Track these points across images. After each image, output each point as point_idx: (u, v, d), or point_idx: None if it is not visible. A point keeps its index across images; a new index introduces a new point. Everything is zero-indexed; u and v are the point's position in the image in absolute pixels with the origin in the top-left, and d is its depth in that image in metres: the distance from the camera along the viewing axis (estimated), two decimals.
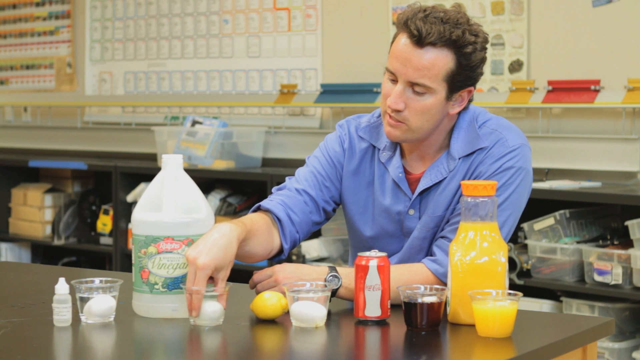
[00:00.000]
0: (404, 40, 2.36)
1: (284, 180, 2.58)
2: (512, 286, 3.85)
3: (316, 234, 4.76)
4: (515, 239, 4.20)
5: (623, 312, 3.96)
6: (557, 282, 4.05)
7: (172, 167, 2.27)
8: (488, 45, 2.41)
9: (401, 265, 2.40)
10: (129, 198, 5.32)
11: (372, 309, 2.19)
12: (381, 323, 2.20)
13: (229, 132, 5.10)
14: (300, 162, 2.66)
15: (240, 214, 5.06)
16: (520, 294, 2.11)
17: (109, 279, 2.26)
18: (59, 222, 5.68)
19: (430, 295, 2.14)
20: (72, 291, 2.18)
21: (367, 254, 2.20)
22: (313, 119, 5.18)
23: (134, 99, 5.80)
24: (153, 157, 5.46)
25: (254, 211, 2.49)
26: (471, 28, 2.36)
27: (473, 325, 2.11)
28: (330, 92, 5.01)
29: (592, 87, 4.29)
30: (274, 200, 2.49)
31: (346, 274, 2.34)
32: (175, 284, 2.22)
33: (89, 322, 2.18)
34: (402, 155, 2.50)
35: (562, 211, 4.06)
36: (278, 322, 2.21)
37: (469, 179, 2.41)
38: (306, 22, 5.18)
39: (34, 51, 6.27)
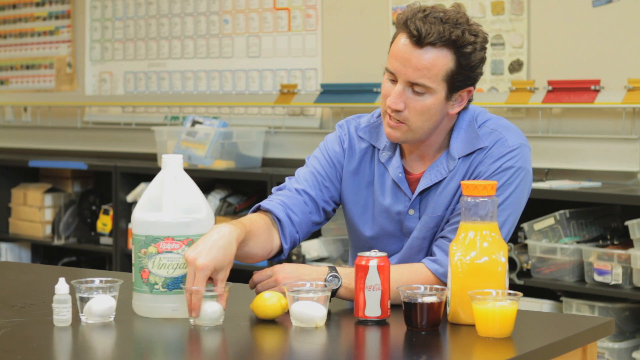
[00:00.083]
0: (403, 40, 2.36)
1: (284, 180, 2.58)
2: (512, 286, 3.85)
3: (316, 234, 4.76)
4: (515, 239, 4.20)
5: (623, 312, 3.96)
6: (557, 282, 4.05)
7: (172, 167, 2.27)
8: (488, 45, 2.41)
9: (401, 265, 2.40)
10: (129, 198, 5.32)
11: (372, 309, 2.19)
12: (381, 323, 2.20)
13: (229, 132, 5.10)
14: (300, 162, 2.66)
15: (240, 214, 5.06)
16: (520, 294, 2.11)
17: (109, 279, 2.26)
18: (59, 222, 5.68)
19: (430, 295, 2.14)
20: (72, 291, 2.18)
21: (367, 254, 2.20)
22: (313, 119, 5.18)
23: (134, 99, 5.80)
24: (153, 157, 5.46)
25: (254, 211, 2.49)
26: (471, 28, 2.36)
27: (473, 325, 2.11)
28: (330, 92, 5.01)
29: (592, 87, 4.29)
30: (273, 201, 2.49)
31: (346, 274, 2.34)
32: (175, 284, 2.22)
33: (89, 322, 2.18)
34: (402, 155, 2.50)
35: (562, 211, 4.06)
36: (278, 322, 2.21)
37: (468, 178, 2.41)
38: (306, 22, 5.19)
39: (34, 51, 6.27)
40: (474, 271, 2.14)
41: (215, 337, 2.13)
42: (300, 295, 2.17)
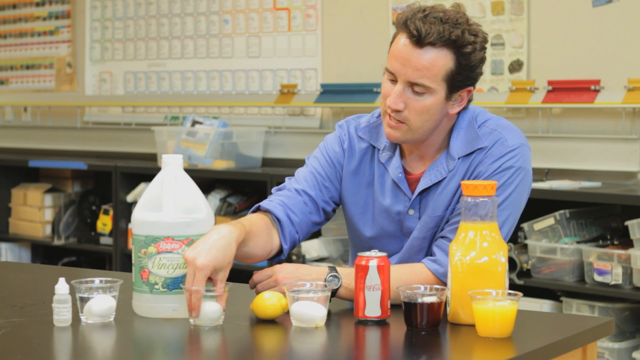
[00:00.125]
0: (403, 40, 2.36)
1: (284, 180, 2.58)
2: (512, 286, 3.85)
3: (316, 234, 4.76)
4: (515, 239, 4.20)
5: (623, 312, 3.96)
6: (557, 282, 4.05)
7: (172, 167, 2.27)
8: (487, 45, 2.41)
9: (401, 265, 2.40)
10: (129, 198, 5.32)
11: (372, 309, 2.19)
12: (381, 323, 2.20)
13: (229, 132, 5.10)
14: (300, 162, 2.66)
15: (240, 214, 5.06)
16: (520, 294, 2.11)
17: (109, 279, 2.26)
18: (59, 222, 5.68)
19: (430, 295, 2.14)
20: (72, 291, 2.18)
21: (367, 254, 2.20)
22: (313, 119, 5.18)
23: (134, 99, 5.80)
24: (153, 157, 5.46)
25: (254, 212, 2.49)
26: (470, 28, 2.36)
27: (473, 325, 2.11)
28: (330, 92, 5.01)
29: (592, 87, 4.29)
30: (273, 201, 2.49)
31: (346, 274, 2.34)
32: (175, 284, 2.22)
33: (89, 322, 2.18)
34: (402, 155, 2.50)
35: (562, 211, 4.06)
36: (278, 322, 2.21)
37: (468, 178, 2.41)
38: (306, 22, 5.19)
39: (34, 51, 6.27)
40: (474, 271, 2.14)
41: (215, 337, 2.13)
42: (300, 295, 2.17)
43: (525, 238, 4.14)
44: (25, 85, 6.32)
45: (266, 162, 5.22)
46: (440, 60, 2.33)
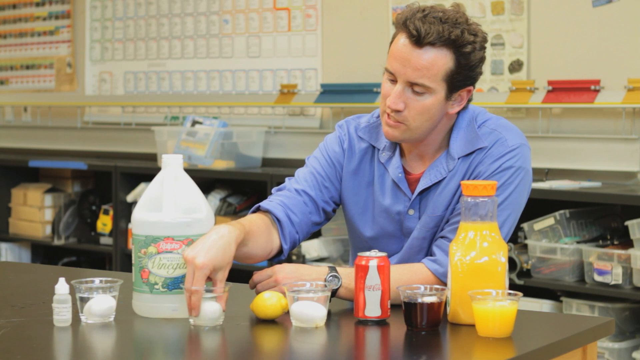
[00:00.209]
0: (402, 40, 2.36)
1: (284, 181, 2.58)
2: (512, 286, 3.85)
3: (316, 234, 4.76)
4: (515, 239, 4.20)
5: (623, 312, 3.96)
6: (557, 282, 4.05)
7: (172, 167, 2.27)
8: (487, 45, 2.41)
9: (401, 265, 2.40)
10: (129, 198, 5.32)
11: (372, 309, 2.19)
12: (381, 323, 2.20)
13: (229, 132, 5.10)
14: (300, 162, 2.66)
15: (240, 214, 5.06)
16: (520, 294, 2.11)
17: (109, 279, 2.26)
18: (59, 222, 5.68)
19: (430, 295, 2.14)
20: (72, 291, 2.18)
21: (367, 254, 2.20)
22: (313, 119, 5.18)
23: (134, 99, 5.80)
24: (153, 157, 5.46)
25: (254, 212, 2.49)
26: (470, 27, 2.36)
27: (473, 325, 2.11)
28: (330, 92, 5.01)
29: (592, 87, 4.29)
30: (273, 201, 2.49)
31: (346, 274, 2.34)
32: (175, 284, 2.22)
33: (89, 322, 2.18)
34: (402, 155, 2.50)
35: (562, 211, 4.06)
36: (278, 322, 2.22)
37: (468, 178, 2.41)
38: (306, 22, 5.19)
39: (34, 51, 6.27)
40: (474, 271, 2.14)
41: (215, 337, 2.13)
42: (300, 295, 2.17)
43: (525, 238, 4.14)
44: (25, 85, 6.32)
45: (266, 162, 5.22)
46: (439, 60, 2.33)
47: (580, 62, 4.37)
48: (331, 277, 2.33)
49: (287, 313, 2.19)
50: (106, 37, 5.96)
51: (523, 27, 4.51)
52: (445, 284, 2.29)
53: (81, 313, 2.18)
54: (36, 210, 5.77)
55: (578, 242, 4.06)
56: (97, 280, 2.25)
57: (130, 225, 5.11)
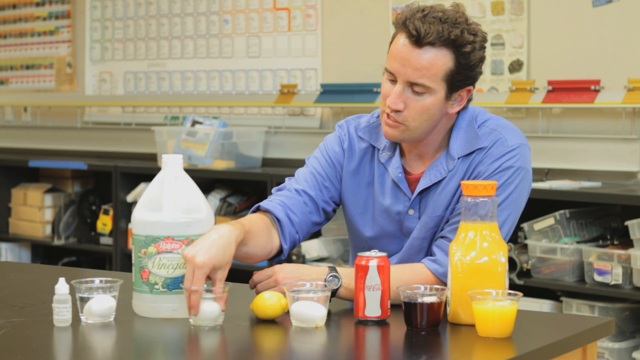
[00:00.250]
0: (402, 40, 2.36)
1: (284, 181, 2.58)
2: (512, 286, 3.85)
3: (316, 234, 4.76)
4: (515, 239, 4.20)
5: (623, 312, 3.96)
6: (557, 282, 4.05)
7: (172, 167, 2.27)
8: (487, 45, 2.41)
9: (401, 265, 2.41)
10: (129, 198, 5.32)
11: (372, 309, 2.19)
12: (381, 323, 2.20)
13: (229, 132, 5.10)
14: (300, 162, 2.66)
15: (240, 214, 5.06)
16: (520, 294, 2.11)
17: (109, 279, 2.26)
18: (59, 222, 5.68)
19: (430, 295, 2.14)
20: (72, 291, 2.18)
21: (367, 254, 2.20)
22: (313, 119, 5.18)
23: (134, 99, 5.80)
24: (153, 157, 5.46)
25: (254, 212, 2.49)
26: (470, 27, 2.36)
27: (473, 325, 2.11)
28: (330, 92, 5.01)
29: (592, 87, 4.29)
30: (273, 201, 2.49)
31: (346, 274, 2.34)
32: (175, 284, 2.22)
33: (89, 322, 2.18)
34: (402, 155, 2.50)
35: (562, 211, 4.06)
36: (278, 322, 2.22)
37: (468, 178, 2.41)
38: (306, 22, 5.19)
39: (34, 51, 6.27)
40: (474, 271, 2.14)
41: (215, 337, 2.13)
42: (300, 295, 2.17)
43: (525, 238, 4.14)
44: (25, 85, 6.32)
45: (266, 162, 5.22)
46: (439, 60, 2.33)
47: (580, 62, 4.37)
48: (331, 277, 2.33)
49: (287, 313, 2.19)
50: (106, 37, 5.96)
51: (523, 27, 4.51)
52: (445, 284, 2.29)
53: (81, 313, 2.18)
54: (36, 210, 5.77)
55: (578, 242, 4.06)
56: (97, 280, 2.25)
57: (130, 225, 5.11)
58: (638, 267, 3.84)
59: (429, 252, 2.46)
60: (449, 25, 2.32)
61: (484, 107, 2.57)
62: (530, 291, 4.07)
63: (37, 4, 6.23)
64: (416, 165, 2.49)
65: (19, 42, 6.34)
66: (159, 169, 2.29)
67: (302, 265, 2.41)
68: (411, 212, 2.47)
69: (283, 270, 2.33)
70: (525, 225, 4.13)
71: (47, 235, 5.76)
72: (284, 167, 5.01)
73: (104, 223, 5.56)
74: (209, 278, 2.19)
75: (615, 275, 3.89)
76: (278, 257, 2.48)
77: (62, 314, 2.15)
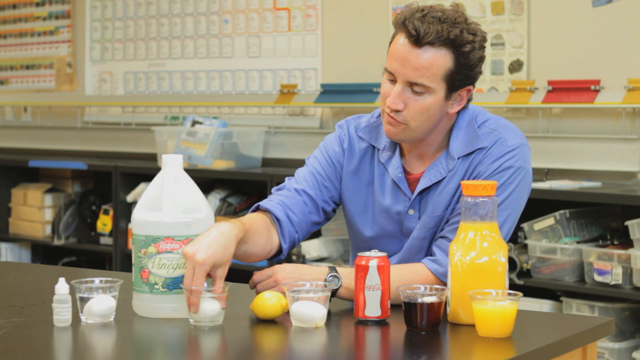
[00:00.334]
0: (402, 40, 2.36)
1: (284, 180, 2.58)
2: (512, 286, 3.85)
3: (316, 234, 4.76)
4: (515, 239, 4.20)
5: (623, 312, 3.96)
6: (557, 282, 4.05)
7: (172, 167, 2.27)
8: (487, 44, 2.41)
9: (401, 265, 2.41)
10: (129, 198, 5.32)
11: (372, 309, 2.19)
12: (381, 323, 2.20)
13: (229, 132, 5.10)
14: (300, 162, 2.66)
15: (240, 214, 5.06)
16: (520, 294, 2.11)
17: (109, 279, 2.26)
18: (59, 222, 5.68)
19: (430, 295, 2.14)
20: (72, 291, 2.18)
21: (367, 254, 2.20)
22: (313, 119, 5.18)
23: (134, 99, 5.80)
24: (153, 157, 5.46)
25: (253, 211, 2.49)
26: (469, 27, 2.36)
27: (473, 325, 2.11)
28: (330, 92, 5.01)
29: (592, 87, 4.29)
30: (273, 200, 2.49)
31: (346, 274, 2.34)
32: (175, 284, 2.22)
33: (89, 322, 2.18)
34: (402, 155, 2.50)
35: (562, 211, 4.06)
36: (278, 322, 2.21)
37: (468, 178, 2.41)
38: (306, 22, 5.19)
39: (34, 51, 6.27)
40: (474, 271, 2.14)
41: (215, 337, 2.13)
42: (300, 295, 2.17)
43: (525, 238, 4.14)
44: (25, 85, 6.32)
45: (266, 162, 5.22)
46: (439, 59, 2.33)
47: (580, 62, 4.37)
48: (331, 277, 2.33)
49: (287, 313, 2.19)
50: (106, 37, 5.96)
51: (523, 27, 4.51)
52: (445, 284, 2.29)
53: (81, 313, 2.18)
54: (36, 210, 5.77)
55: (578, 242, 4.06)
56: (97, 280, 2.25)
57: (130, 225, 5.11)
58: (638, 267, 3.84)
59: (429, 252, 2.46)
60: (449, 25, 2.32)
61: (484, 107, 2.57)
62: (530, 291, 4.07)
63: (37, 4, 6.23)
64: (416, 165, 2.49)
65: (19, 42, 6.34)
66: (159, 169, 2.29)
67: (302, 265, 2.41)
68: (411, 212, 2.47)
69: (283, 270, 2.33)
70: (525, 225, 4.13)
71: (47, 235, 5.76)
72: (284, 167, 5.01)
73: (104, 223, 5.56)
74: (209, 276, 2.19)
75: (615, 275, 3.89)
76: (277, 257, 2.48)
77: (62, 314, 2.15)
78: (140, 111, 5.82)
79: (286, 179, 2.57)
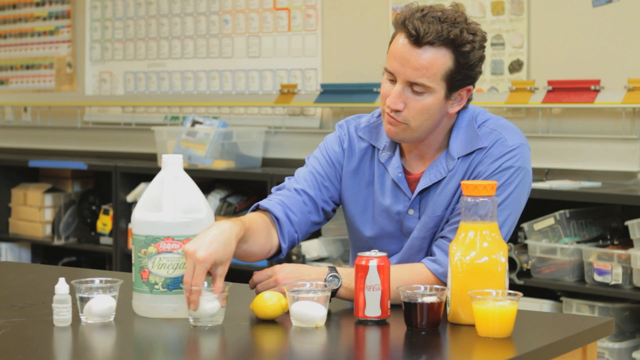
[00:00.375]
0: (402, 40, 2.36)
1: (284, 180, 2.58)
2: (512, 286, 3.85)
3: (316, 234, 4.76)
4: (515, 239, 4.20)
5: (623, 312, 3.96)
6: (557, 282, 4.05)
7: (172, 167, 2.27)
8: (487, 44, 2.41)
9: (401, 265, 2.41)
10: (129, 198, 5.32)
11: (372, 309, 2.19)
12: (381, 323, 2.20)
13: (229, 132, 5.10)
14: (300, 162, 2.66)
15: (240, 214, 5.06)
16: (520, 294, 2.11)
17: (109, 279, 2.26)
18: (59, 222, 5.68)
19: (430, 295, 2.14)
20: (72, 291, 2.18)
21: (367, 254, 2.20)
22: (313, 119, 5.18)
23: (134, 99, 5.80)
24: (153, 157, 5.46)
25: (253, 211, 2.49)
26: (469, 27, 2.36)
27: (473, 325, 2.11)
28: (330, 92, 5.01)
29: (592, 87, 4.29)
30: (272, 200, 2.49)
31: (346, 274, 2.34)
32: (175, 284, 2.22)
33: (89, 322, 2.18)
34: (402, 155, 2.50)
35: (562, 211, 4.06)
36: (278, 322, 2.21)
37: (468, 178, 2.41)
38: (306, 22, 5.19)
39: (34, 51, 6.27)
40: (474, 271, 2.14)
41: (215, 337, 2.13)
42: (300, 295, 2.17)
43: (525, 238, 4.14)
44: (25, 85, 6.32)
45: (266, 162, 5.22)
46: (439, 59, 2.33)
47: (580, 62, 4.37)
48: (331, 277, 2.33)
49: (287, 313, 2.19)
50: (106, 37, 5.96)
51: (523, 27, 4.51)
52: (445, 284, 2.29)
53: (81, 313, 2.18)
54: (36, 210, 5.77)
55: (578, 242, 4.06)
56: (97, 280, 2.25)
57: (130, 225, 5.11)
58: (638, 267, 3.84)
59: (429, 252, 2.46)
60: (448, 25, 2.32)
61: (484, 107, 2.57)
62: (530, 291, 4.07)
63: (37, 4, 6.23)
64: (416, 165, 2.49)
65: (19, 42, 6.34)
66: (159, 169, 2.29)
67: (302, 265, 2.41)
68: (411, 212, 2.47)
69: (283, 270, 2.33)
70: (525, 225, 4.13)
71: (47, 235, 5.76)
72: (284, 167, 5.01)
73: (104, 223, 5.56)
74: (209, 274, 2.19)
75: (615, 275, 3.89)
76: (277, 257, 2.48)
77: (62, 314, 2.15)
78: (140, 111, 5.82)
79: (286, 178, 2.57)
